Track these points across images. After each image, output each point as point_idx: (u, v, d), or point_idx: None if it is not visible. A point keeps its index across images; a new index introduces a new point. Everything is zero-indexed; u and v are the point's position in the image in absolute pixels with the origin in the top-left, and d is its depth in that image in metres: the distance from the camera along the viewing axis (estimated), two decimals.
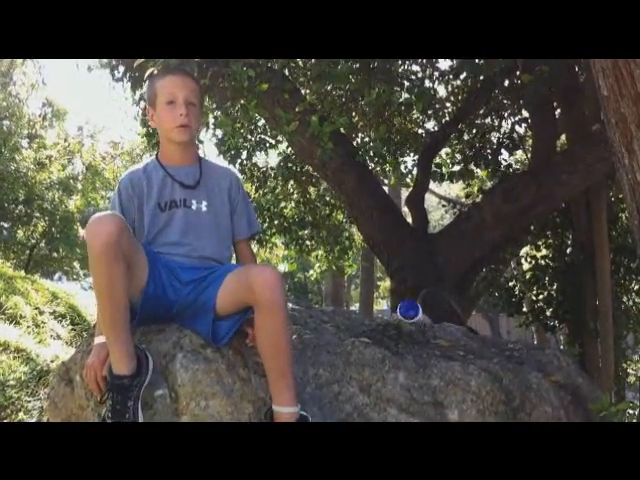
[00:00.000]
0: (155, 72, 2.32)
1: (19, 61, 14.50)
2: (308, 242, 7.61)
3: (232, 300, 1.87)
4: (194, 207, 2.06)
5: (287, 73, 4.74)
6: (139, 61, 3.15)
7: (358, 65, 4.20)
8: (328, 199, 7.38)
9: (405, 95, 4.65)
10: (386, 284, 18.26)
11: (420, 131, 6.15)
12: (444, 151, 6.37)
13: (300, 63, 4.30)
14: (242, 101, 3.73)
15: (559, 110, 5.46)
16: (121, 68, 4.75)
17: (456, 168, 6.15)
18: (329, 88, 4.62)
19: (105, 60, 6.00)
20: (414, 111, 5.30)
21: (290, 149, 6.31)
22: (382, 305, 21.46)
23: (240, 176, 6.61)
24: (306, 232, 7.48)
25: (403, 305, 2.83)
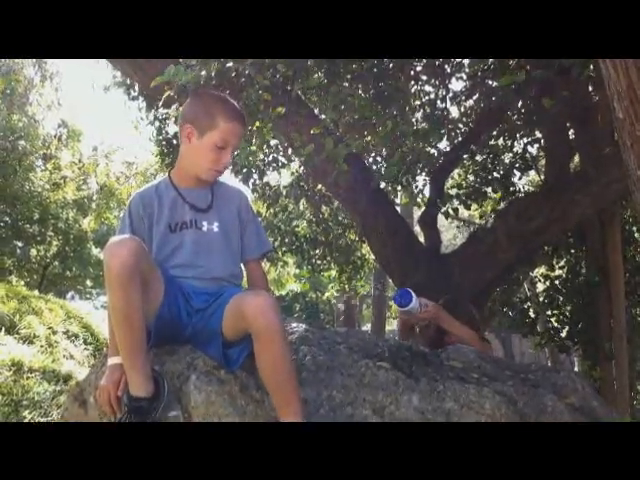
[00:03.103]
0: (212, 94, 2.25)
1: (37, 81, 14.72)
2: (320, 261, 7.58)
3: (234, 327, 1.85)
4: (205, 228, 2.05)
5: (301, 94, 4.77)
6: (158, 80, 3.19)
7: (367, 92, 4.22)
8: (341, 218, 7.36)
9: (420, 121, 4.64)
10: None
11: (432, 151, 6.14)
12: (456, 172, 6.37)
13: (318, 71, 4.29)
14: (257, 124, 3.75)
15: (572, 130, 5.44)
16: (137, 87, 4.81)
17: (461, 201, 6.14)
18: (342, 109, 4.63)
19: (121, 79, 6.07)
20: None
21: (302, 168, 6.32)
22: (394, 325, 21.33)
23: (250, 196, 6.65)
24: (318, 251, 7.45)
25: (397, 294, 2.89)
